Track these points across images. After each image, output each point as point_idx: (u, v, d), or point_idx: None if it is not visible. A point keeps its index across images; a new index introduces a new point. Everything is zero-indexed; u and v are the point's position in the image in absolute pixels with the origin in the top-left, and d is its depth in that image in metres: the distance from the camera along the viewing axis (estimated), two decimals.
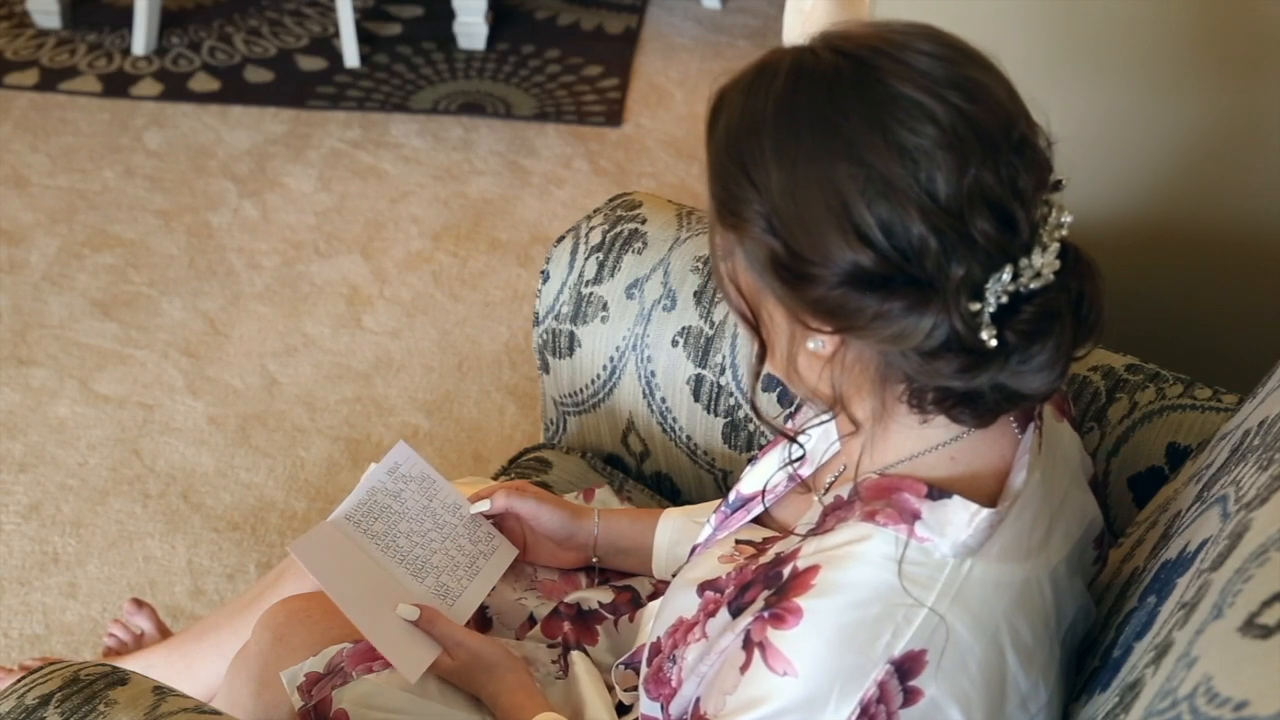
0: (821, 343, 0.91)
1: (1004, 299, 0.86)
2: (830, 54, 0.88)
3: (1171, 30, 1.54)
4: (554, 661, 1.28)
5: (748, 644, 0.93)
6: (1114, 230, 1.65)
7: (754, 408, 1.08)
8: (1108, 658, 0.98)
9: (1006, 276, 0.85)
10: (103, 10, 3.33)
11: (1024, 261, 0.86)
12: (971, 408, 0.91)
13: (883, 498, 0.93)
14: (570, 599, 1.33)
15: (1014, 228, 0.86)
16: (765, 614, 0.92)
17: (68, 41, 3.22)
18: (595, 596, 1.33)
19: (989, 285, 0.85)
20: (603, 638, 1.30)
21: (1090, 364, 1.34)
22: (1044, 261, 0.86)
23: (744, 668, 0.93)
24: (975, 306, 0.85)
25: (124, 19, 3.27)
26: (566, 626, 1.30)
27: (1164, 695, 0.79)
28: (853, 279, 0.86)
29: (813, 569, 0.92)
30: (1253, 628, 0.75)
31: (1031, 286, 0.86)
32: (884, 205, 0.84)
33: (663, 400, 1.50)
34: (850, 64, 0.87)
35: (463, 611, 1.29)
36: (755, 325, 0.96)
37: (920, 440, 0.95)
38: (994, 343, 0.86)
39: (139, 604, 1.73)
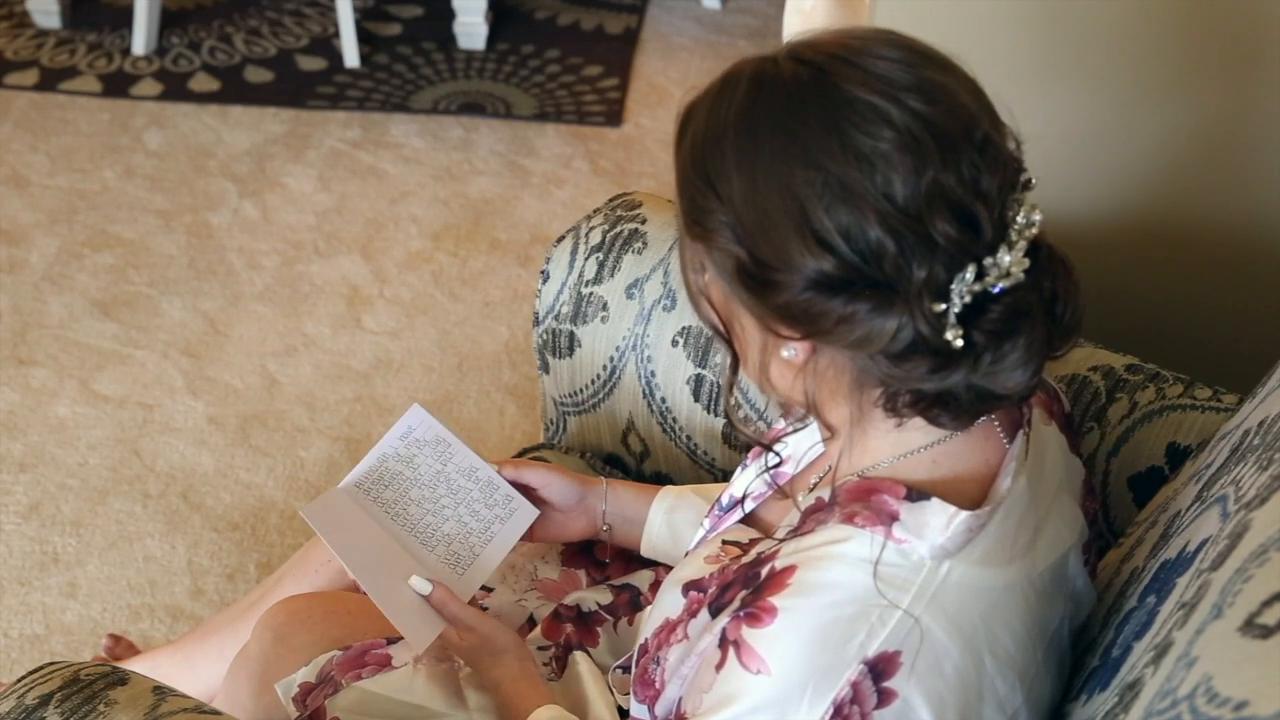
0: (794, 351, 0.92)
1: (968, 299, 0.86)
2: (791, 63, 0.90)
3: (1166, 30, 1.54)
4: (546, 664, 1.28)
5: (723, 642, 0.93)
6: (1114, 230, 1.65)
7: (729, 418, 1.09)
8: (1107, 657, 0.98)
9: (970, 276, 0.85)
10: (103, 10, 3.33)
11: (989, 261, 0.86)
12: (947, 409, 0.91)
13: (862, 500, 0.93)
14: (570, 600, 1.33)
15: (976, 228, 0.86)
16: (741, 613, 0.93)
17: (68, 41, 3.22)
18: (594, 597, 1.33)
19: (953, 286, 0.85)
20: (603, 640, 1.30)
21: (1090, 364, 1.34)
22: (1011, 260, 0.86)
23: (719, 666, 0.93)
24: (940, 307, 0.85)
25: (124, 19, 3.27)
26: (569, 629, 1.30)
27: (1164, 695, 0.79)
28: (816, 284, 0.86)
29: (789, 569, 0.92)
30: (1253, 628, 0.75)
31: (1000, 286, 0.86)
32: (842, 210, 0.85)
33: (663, 400, 1.50)
34: (809, 71, 0.88)
35: (475, 579, 1.28)
36: (728, 337, 0.97)
37: (898, 444, 0.95)
38: (960, 343, 0.86)
39: (116, 639, 1.79)
